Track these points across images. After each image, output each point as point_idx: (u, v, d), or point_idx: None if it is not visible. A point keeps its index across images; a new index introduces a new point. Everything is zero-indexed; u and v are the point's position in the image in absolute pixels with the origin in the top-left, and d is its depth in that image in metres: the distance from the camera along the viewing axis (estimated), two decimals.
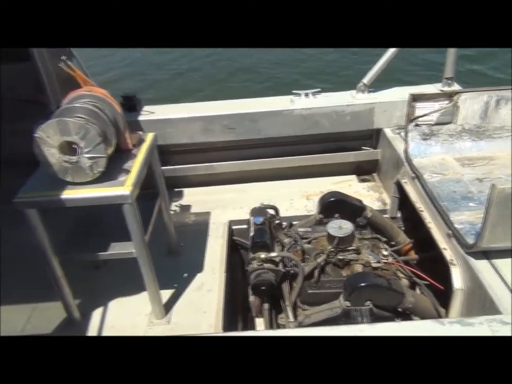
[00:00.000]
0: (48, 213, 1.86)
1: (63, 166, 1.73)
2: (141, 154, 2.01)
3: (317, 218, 2.39)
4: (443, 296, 1.90)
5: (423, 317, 1.90)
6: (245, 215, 2.53)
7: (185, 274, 2.38)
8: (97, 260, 2.39)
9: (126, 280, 2.31)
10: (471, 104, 2.32)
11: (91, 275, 2.42)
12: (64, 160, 1.71)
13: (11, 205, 1.76)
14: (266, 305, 2.10)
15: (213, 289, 2.25)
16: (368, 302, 1.84)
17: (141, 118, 2.88)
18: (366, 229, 2.30)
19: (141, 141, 2.09)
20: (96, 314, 2.18)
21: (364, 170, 3.19)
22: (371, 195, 2.94)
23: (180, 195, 3.08)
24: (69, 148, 1.71)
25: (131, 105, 2.88)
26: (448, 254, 1.84)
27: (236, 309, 2.33)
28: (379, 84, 3.00)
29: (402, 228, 2.53)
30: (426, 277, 2.00)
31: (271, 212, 2.48)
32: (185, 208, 2.95)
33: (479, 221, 1.66)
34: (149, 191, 2.20)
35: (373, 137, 3.09)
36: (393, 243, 2.36)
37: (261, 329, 2.05)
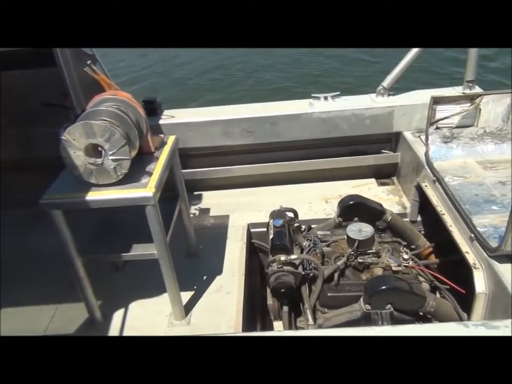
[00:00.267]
0: (71, 215, 1.90)
1: (88, 168, 1.77)
2: (163, 157, 2.04)
3: (336, 221, 2.39)
4: (465, 300, 1.88)
5: (445, 321, 1.88)
6: (264, 218, 2.54)
7: (205, 277, 2.40)
8: (119, 261, 2.43)
9: (145, 282, 2.35)
10: (494, 106, 2.30)
11: (111, 277, 2.46)
12: (89, 163, 1.74)
13: (36, 207, 1.80)
14: (285, 308, 2.10)
15: (232, 292, 2.26)
16: (389, 305, 1.82)
17: (161, 121, 2.92)
18: (385, 232, 2.29)
19: (162, 144, 2.12)
20: (117, 315, 2.21)
21: (383, 174, 3.17)
22: (390, 199, 2.93)
23: (198, 198, 3.11)
24: (94, 150, 1.75)
25: (152, 109, 2.92)
26: (470, 257, 1.82)
27: (254, 312, 2.34)
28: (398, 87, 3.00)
29: (422, 232, 2.51)
30: (448, 281, 1.98)
31: (290, 215, 2.49)
32: (204, 211, 2.98)
33: (503, 224, 1.64)
34: (169, 194, 2.23)
35: (392, 140, 3.07)
36: (413, 247, 2.34)
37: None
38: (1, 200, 2.76)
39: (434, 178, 2.29)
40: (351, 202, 2.37)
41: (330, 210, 2.80)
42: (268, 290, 2.22)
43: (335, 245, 2.24)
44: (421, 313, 1.87)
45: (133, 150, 1.84)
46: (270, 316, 2.28)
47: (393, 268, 2.02)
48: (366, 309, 1.84)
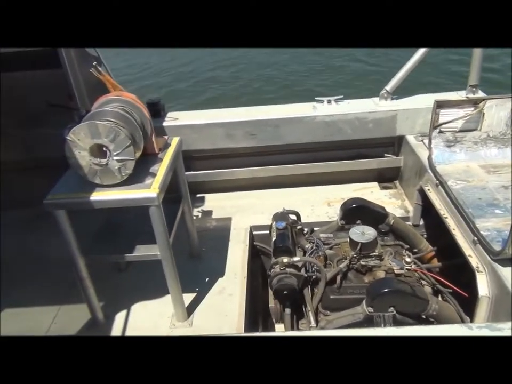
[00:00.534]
0: (74, 215, 1.90)
1: (93, 168, 1.77)
2: (167, 158, 2.04)
3: (338, 224, 2.39)
4: (468, 304, 1.87)
5: (447, 324, 1.88)
6: (266, 220, 2.55)
7: (207, 279, 2.40)
8: (122, 262, 2.43)
9: (147, 283, 2.35)
10: (497, 111, 2.30)
11: (114, 277, 2.46)
12: (94, 163, 1.75)
13: (37, 207, 1.81)
14: (287, 310, 2.10)
15: (234, 294, 2.27)
16: (391, 308, 1.82)
17: (165, 123, 2.93)
18: (388, 235, 2.29)
19: (166, 145, 2.13)
20: (119, 316, 2.21)
21: (385, 178, 3.18)
22: (393, 202, 2.93)
23: (201, 200, 3.11)
24: (98, 151, 1.75)
25: (155, 110, 2.92)
26: (473, 261, 1.82)
27: (256, 314, 2.33)
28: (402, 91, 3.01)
29: (425, 236, 2.51)
30: (450, 284, 1.97)
31: (293, 217, 2.49)
32: (207, 213, 2.98)
33: (506, 228, 1.64)
34: (172, 195, 2.23)
35: (395, 144, 3.08)
36: (415, 250, 2.34)
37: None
38: (1, 200, 2.77)
39: (437, 182, 2.29)
40: (353, 205, 2.38)
41: (332, 213, 2.80)
42: (270, 293, 2.22)
43: (337, 248, 2.24)
44: (424, 317, 1.87)
45: (138, 151, 1.85)
46: (272, 318, 2.27)
47: (396, 271, 2.02)
48: (369, 312, 1.84)
